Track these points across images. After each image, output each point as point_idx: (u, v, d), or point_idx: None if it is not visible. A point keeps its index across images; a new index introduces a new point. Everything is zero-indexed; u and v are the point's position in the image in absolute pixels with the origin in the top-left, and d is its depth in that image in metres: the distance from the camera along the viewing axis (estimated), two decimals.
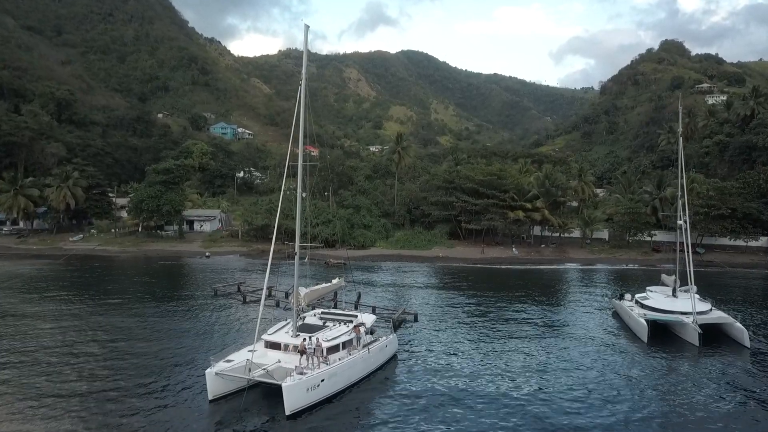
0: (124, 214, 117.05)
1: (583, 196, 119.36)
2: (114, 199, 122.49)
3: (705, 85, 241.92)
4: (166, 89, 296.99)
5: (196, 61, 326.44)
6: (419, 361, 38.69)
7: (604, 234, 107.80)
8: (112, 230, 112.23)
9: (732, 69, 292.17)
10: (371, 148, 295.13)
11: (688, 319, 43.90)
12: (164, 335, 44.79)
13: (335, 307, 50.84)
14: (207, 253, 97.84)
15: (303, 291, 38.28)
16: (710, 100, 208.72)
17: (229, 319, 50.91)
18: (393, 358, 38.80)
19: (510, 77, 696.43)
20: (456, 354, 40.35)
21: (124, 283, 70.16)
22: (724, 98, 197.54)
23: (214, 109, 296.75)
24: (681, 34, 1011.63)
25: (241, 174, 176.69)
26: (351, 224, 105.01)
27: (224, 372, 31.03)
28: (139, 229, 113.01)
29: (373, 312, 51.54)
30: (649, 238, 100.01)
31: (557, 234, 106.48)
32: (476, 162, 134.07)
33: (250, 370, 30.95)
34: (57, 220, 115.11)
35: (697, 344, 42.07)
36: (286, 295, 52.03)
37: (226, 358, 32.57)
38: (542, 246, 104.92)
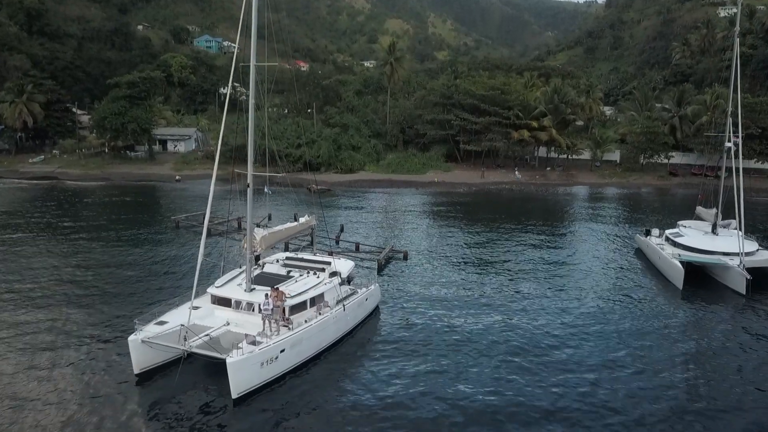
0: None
1: (591, 114, 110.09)
2: (78, 117, 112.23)
3: None
4: (146, 0, 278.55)
5: None
6: (407, 315, 31.84)
7: (616, 156, 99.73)
8: (77, 151, 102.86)
9: None
10: (365, 64, 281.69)
11: (734, 262, 36.50)
12: (99, 281, 36.95)
13: (312, 244, 43.18)
14: (177, 177, 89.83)
15: (260, 233, 30.37)
16: (722, 13, 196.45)
17: (186, 258, 43.12)
18: (375, 312, 31.94)
19: None
20: (451, 304, 33.53)
21: (72, 212, 61.57)
22: (736, 11, 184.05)
23: (198, 21, 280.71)
24: None
25: (225, 90, 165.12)
26: (338, 145, 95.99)
27: (153, 340, 23.84)
28: (106, 150, 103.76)
29: (357, 249, 44.77)
30: (666, 161, 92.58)
31: (564, 156, 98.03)
32: (477, 75, 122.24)
33: (185, 338, 23.85)
34: (16, 140, 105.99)
35: (744, 293, 35.19)
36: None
37: (159, 320, 25.41)
38: (548, 169, 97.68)
